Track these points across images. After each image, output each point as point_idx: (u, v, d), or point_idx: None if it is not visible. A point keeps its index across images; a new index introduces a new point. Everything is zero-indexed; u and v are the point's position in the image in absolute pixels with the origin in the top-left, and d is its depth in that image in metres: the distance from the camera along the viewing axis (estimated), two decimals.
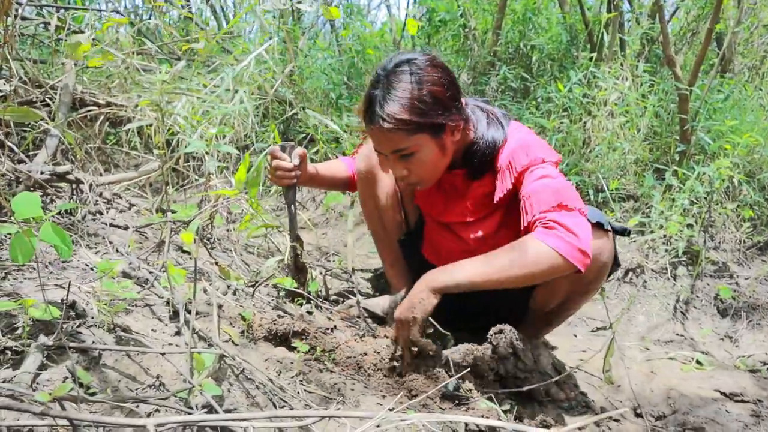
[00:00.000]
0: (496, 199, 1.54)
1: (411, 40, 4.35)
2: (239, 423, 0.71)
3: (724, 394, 1.86)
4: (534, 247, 1.32)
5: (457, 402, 1.42)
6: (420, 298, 1.38)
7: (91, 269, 1.43)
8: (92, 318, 1.13)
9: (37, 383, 0.94)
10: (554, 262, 1.31)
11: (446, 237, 1.72)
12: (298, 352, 1.37)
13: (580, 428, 1.48)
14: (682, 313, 2.49)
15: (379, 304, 1.88)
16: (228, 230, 2.40)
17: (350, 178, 1.97)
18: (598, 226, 1.43)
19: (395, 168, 1.49)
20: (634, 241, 2.75)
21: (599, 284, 1.56)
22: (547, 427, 1.49)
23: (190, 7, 4.95)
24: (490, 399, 1.42)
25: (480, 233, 1.64)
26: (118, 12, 4.21)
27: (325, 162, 2.00)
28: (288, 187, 1.76)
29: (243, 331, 1.41)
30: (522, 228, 1.45)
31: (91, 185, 1.84)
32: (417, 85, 1.39)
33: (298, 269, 1.81)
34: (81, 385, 0.92)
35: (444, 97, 1.42)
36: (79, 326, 1.09)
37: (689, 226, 2.67)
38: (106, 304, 1.14)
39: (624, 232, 1.55)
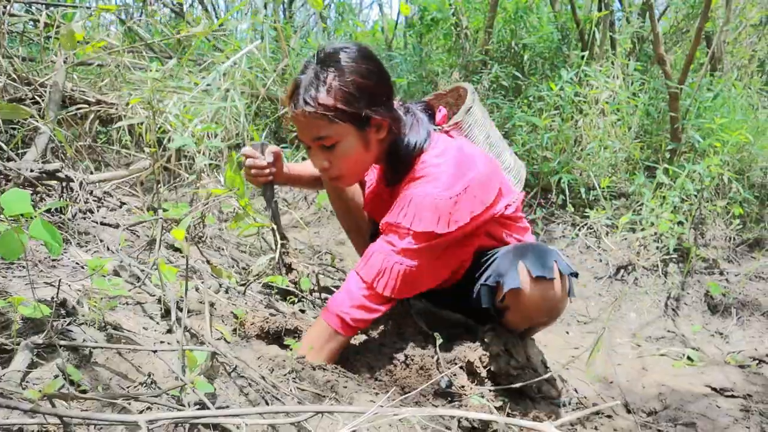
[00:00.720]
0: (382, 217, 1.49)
1: (403, 39, 4.35)
2: (231, 419, 0.71)
3: (714, 389, 1.87)
4: (325, 332, 1.41)
5: (450, 399, 1.42)
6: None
7: (82, 267, 1.42)
8: (83, 316, 1.12)
9: (27, 381, 0.93)
10: (331, 333, 1.40)
11: None
12: (291, 350, 1.36)
13: (572, 423, 1.49)
14: (673, 309, 2.51)
15: None
16: (220, 229, 2.39)
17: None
18: (539, 279, 1.38)
19: (316, 158, 1.45)
20: (626, 239, 2.77)
21: (554, 321, 1.55)
22: (540, 422, 1.50)
23: (182, 5, 4.92)
24: (482, 396, 1.42)
25: None
26: (108, 10, 4.18)
27: (303, 162, 1.97)
28: (265, 185, 1.75)
29: (235, 329, 1.40)
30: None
31: (81, 183, 1.83)
32: (344, 74, 1.36)
33: (285, 268, 1.81)
34: (72, 382, 0.91)
35: (371, 90, 1.39)
36: (69, 324, 1.08)
37: (680, 223, 2.69)
38: (96, 302, 1.13)
39: (572, 275, 1.48)
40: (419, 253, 1.41)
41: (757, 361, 2.14)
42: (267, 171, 1.70)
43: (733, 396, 1.83)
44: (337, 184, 1.59)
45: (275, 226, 1.78)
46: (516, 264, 1.41)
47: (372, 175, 1.70)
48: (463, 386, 1.43)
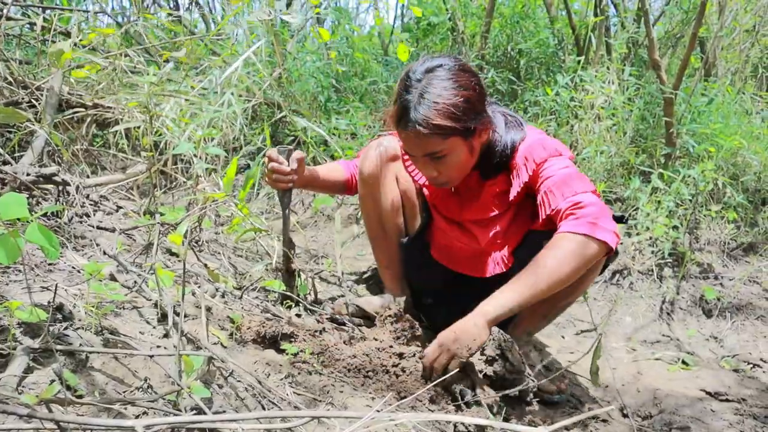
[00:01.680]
0: (511, 196, 1.62)
1: (400, 43, 4.35)
2: (228, 424, 0.71)
3: (709, 393, 1.88)
4: (570, 241, 1.39)
5: (454, 404, 1.42)
6: (473, 333, 1.40)
7: (78, 272, 1.42)
8: (79, 320, 1.12)
9: (24, 386, 0.93)
10: (593, 249, 1.39)
11: (457, 237, 1.78)
12: (287, 354, 1.37)
13: (566, 428, 1.50)
14: (668, 314, 2.52)
15: (371, 302, 1.88)
16: (217, 233, 2.39)
17: (347, 182, 1.98)
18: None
19: (426, 169, 1.55)
20: (621, 243, 2.78)
21: (593, 276, 1.61)
22: (536, 426, 1.50)
23: (178, 9, 4.92)
24: (477, 402, 1.43)
25: (492, 232, 1.71)
26: (105, 13, 4.18)
27: (324, 165, 2.01)
28: (284, 190, 1.75)
29: (231, 334, 1.41)
30: (541, 219, 1.54)
31: (78, 187, 1.83)
32: (451, 91, 1.43)
33: (289, 273, 1.81)
34: (68, 387, 0.91)
35: (475, 102, 1.48)
36: (66, 329, 1.08)
37: (675, 227, 2.70)
38: (93, 307, 1.13)
39: (621, 220, 1.59)
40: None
41: (751, 365, 2.15)
42: (288, 177, 1.71)
43: (727, 400, 1.84)
44: (443, 187, 1.67)
45: (284, 232, 1.78)
46: None
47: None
48: (475, 395, 1.44)
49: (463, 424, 1.31)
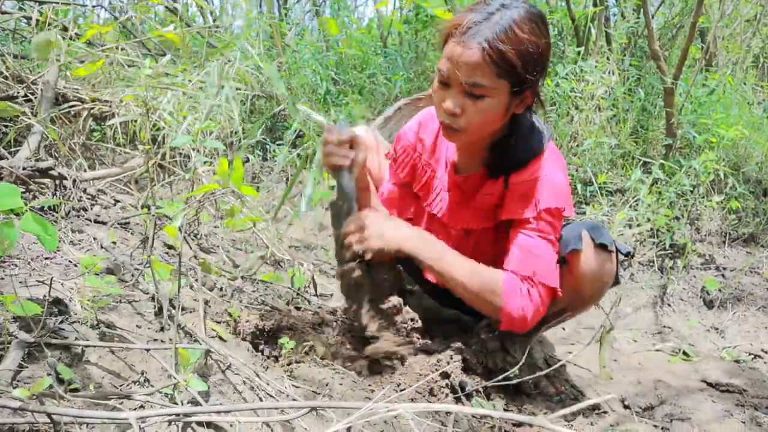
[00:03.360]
0: (503, 216, 1.48)
1: (398, 36, 4.34)
2: (224, 416, 0.70)
3: (710, 384, 1.88)
4: (497, 289, 1.39)
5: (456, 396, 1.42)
6: (387, 237, 1.38)
7: (75, 266, 1.41)
8: (75, 314, 1.12)
9: (18, 380, 0.92)
10: (494, 311, 1.42)
11: (440, 234, 1.63)
12: (285, 348, 1.36)
13: (567, 419, 1.49)
14: (669, 305, 2.51)
15: None
16: (216, 227, 2.38)
17: None
18: (601, 247, 1.44)
19: (453, 101, 1.31)
20: (622, 234, 2.77)
21: (597, 301, 1.59)
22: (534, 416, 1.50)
23: (176, 2, 4.89)
24: (478, 392, 1.42)
25: (474, 244, 1.59)
26: (102, 7, 4.16)
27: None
28: (339, 172, 1.45)
29: (229, 327, 1.40)
30: (501, 264, 1.45)
31: (74, 181, 1.81)
32: (533, 34, 1.27)
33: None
34: (62, 381, 0.91)
35: (545, 60, 1.33)
36: (61, 323, 1.08)
37: (676, 218, 2.69)
38: (89, 300, 1.12)
39: (627, 254, 1.54)
40: (557, 235, 1.45)
41: (752, 356, 2.15)
42: (343, 152, 1.43)
43: (728, 391, 1.83)
44: (451, 137, 1.42)
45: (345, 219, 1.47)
46: (580, 231, 1.46)
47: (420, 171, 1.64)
48: (475, 385, 1.43)
49: (462, 414, 1.30)
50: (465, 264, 1.42)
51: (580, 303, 1.56)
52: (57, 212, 1.68)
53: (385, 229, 1.40)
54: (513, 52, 1.25)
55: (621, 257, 1.56)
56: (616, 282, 1.56)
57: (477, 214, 1.55)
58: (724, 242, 2.77)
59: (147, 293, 1.35)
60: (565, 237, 1.48)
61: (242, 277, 1.77)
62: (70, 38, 2.29)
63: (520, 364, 1.47)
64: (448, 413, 1.30)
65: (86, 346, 1.02)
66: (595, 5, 3.40)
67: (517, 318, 1.39)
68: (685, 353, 2.13)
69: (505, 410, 1.47)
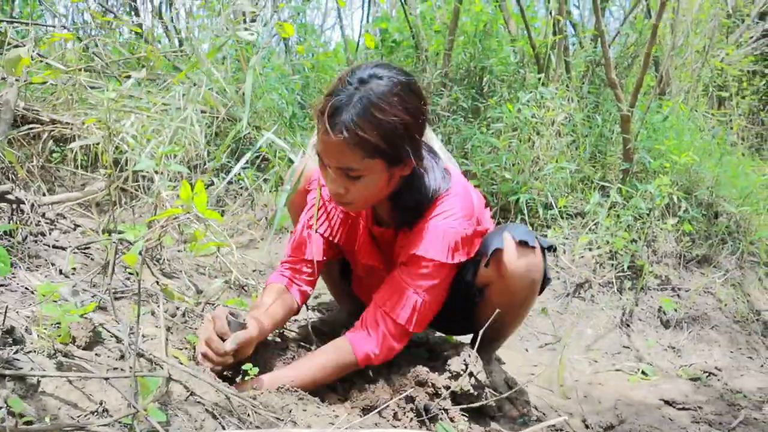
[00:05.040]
0: (398, 259, 1.51)
1: (365, 59, 4.40)
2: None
3: (667, 402, 1.93)
4: (347, 352, 1.47)
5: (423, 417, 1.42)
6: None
7: (32, 293, 1.38)
8: (31, 344, 1.09)
9: None
10: (355, 366, 1.48)
11: (378, 279, 1.62)
12: (249, 374, 1.35)
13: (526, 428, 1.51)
14: (628, 325, 2.58)
15: (328, 322, 1.89)
16: (179, 251, 2.35)
17: (297, 309, 1.66)
18: (522, 244, 1.46)
19: (335, 183, 1.36)
20: (582, 257, 2.84)
21: (532, 300, 1.60)
22: None
23: (141, 26, 4.87)
24: (442, 416, 1.43)
25: None
26: (65, 27, 4.11)
27: (263, 305, 1.56)
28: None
29: (192, 355, 1.38)
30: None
31: (33, 205, 1.77)
32: (394, 109, 1.26)
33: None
34: (14, 414, 0.88)
35: (414, 130, 1.33)
36: (16, 353, 1.05)
37: (633, 241, 2.78)
38: (46, 330, 1.10)
39: (550, 248, 1.56)
40: (440, 286, 1.47)
41: (707, 374, 2.22)
42: (220, 359, 1.32)
43: (684, 408, 1.89)
44: (346, 209, 1.54)
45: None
46: (501, 232, 1.50)
47: (338, 223, 1.64)
48: (442, 409, 1.44)
49: (428, 428, 1.31)
50: (312, 363, 1.46)
51: (516, 304, 1.58)
52: (13, 237, 1.64)
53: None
54: (375, 135, 1.25)
55: (548, 254, 1.60)
56: (547, 279, 1.58)
57: (394, 254, 1.58)
58: (679, 264, 2.87)
59: (104, 324, 1.32)
60: (488, 240, 1.51)
61: (206, 303, 1.75)
62: (32, 59, 2.25)
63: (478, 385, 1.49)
64: None
65: (42, 377, 0.99)
66: (554, 34, 3.52)
67: (372, 359, 1.48)
68: (643, 372, 2.19)
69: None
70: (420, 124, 1.35)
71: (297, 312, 1.67)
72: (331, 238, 1.64)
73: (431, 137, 1.70)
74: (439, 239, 1.43)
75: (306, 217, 1.65)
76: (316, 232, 1.63)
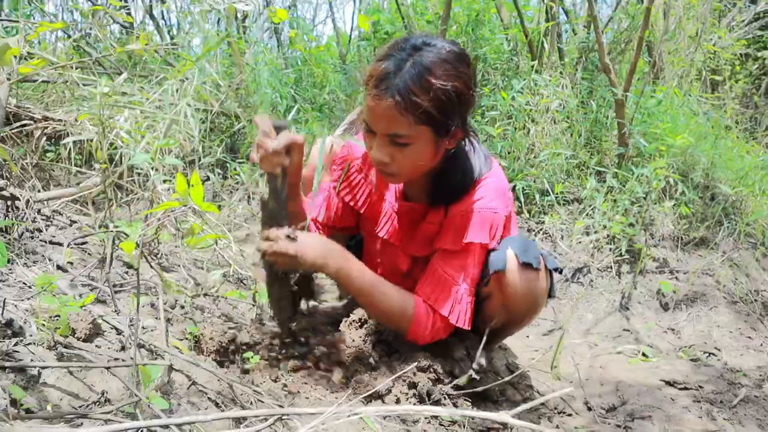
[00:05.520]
0: (437, 245, 1.50)
1: (357, 52, 4.39)
2: (190, 426, 0.69)
3: (668, 382, 1.93)
4: (409, 315, 1.45)
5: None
6: (313, 254, 1.32)
7: (29, 287, 1.37)
8: (31, 336, 1.08)
9: None
10: (401, 331, 1.48)
11: (390, 256, 1.65)
12: (251, 363, 1.34)
13: (532, 421, 1.51)
14: (627, 308, 2.58)
15: (336, 308, 1.87)
16: (176, 246, 2.34)
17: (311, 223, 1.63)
18: (527, 266, 1.43)
19: (380, 150, 1.33)
20: (580, 242, 2.84)
21: (532, 318, 1.60)
22: (503, 424, 1.52)
23: (132, 22, 4.84)
24: (445, 400, 1.43)
25: (421, 270, 1.57)
26: (56, 28, 4.07)
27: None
28: (270, 176, 1.36)
29: (192, 345, 1.38)
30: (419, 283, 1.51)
31: (28, 201, 1.77)
32: (447, 77, 1.25)
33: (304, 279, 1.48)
34: (16, 403, 0.88)
35: (465, 100, 1.32)
36: (16, 345, 1.04)
37: (631, 225, 2.78)
38: (45, 323, 1.09)
39: (556, 270, 1.55)
40: (478, 269, 1.48)
41: (707, 354, 2.22)
42: (276, 159, 1.32)
43: (685, 388, 1.89)
44: (388, 180, 1.47)
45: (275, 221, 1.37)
46: (505, 251, 1.46)
47: (362, 194, 1.62)
48: (445, 394, 1.45)
49: (432, 416, 1.31)
50: (378, 283, 1.44)
51: (516, 319, 1.58)
52: (9, 234, 1.63)
53: (305, 246, 1.32)
54: (427, 99, 1.24)
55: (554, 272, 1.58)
56: (551, 296, 1.57)
57: (421, 242, 1.56)
58: (677, 246, 2.87)
59: (104, 316, 1.31)
60: (492, 257, 1.48)
61: (205, 295, 1.75)
62: (22, 57, 2.24)
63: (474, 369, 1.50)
64: (415, 421, 1.31)
65: (43, 368, 0.99)
66: (547, 21, 3.51)
67: (418, 340, 1.48)
68: (644, 354, 2.19)
69: (471, 418, 1.48)
70: (470, 95, 1.33)
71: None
72: (352, 204, 1.62)
73: None
74: (486, 224, 1.44)
75: (328, 185, 1.65)
76: (338, 195, 1.63)
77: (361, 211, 1.63)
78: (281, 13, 1.95)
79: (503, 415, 0.59)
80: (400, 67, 1.25)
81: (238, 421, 1.05)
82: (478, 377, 1.50)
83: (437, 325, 1.47)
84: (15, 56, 1.97)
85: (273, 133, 1.34)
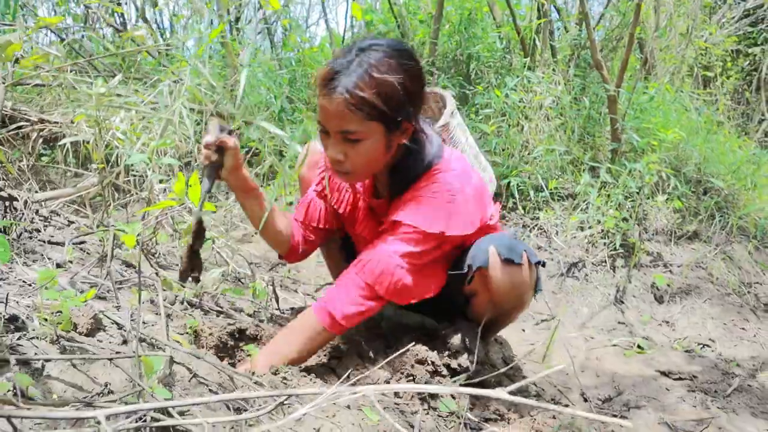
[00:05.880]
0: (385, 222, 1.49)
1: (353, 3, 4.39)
2: (191, 419, 0.71)
3: (663, 373, 1.96)
4: (320, 328, 1.42)
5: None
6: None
7: (30, 285, 1.38)
8: (33, 330, 1.09)
9: None
10: (331, 335, 1.45)
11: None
12: (250, 355, 1.36)
13: (531, 413, 1.53)
14: (622, 302, 2.61)
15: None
16: (174, 246, 2.35)
17: (291, 240, 1.67)
18: (509, 262, 1.44)
19: (334, 149, 1.37)
20: (575, 237, 2.87)
21: (520, 312, 1.62)
22: (500, 415, 1.53)
23: (125, 26, 4.84)
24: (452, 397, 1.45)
25: None
26: (48, 28, 4.08)
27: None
28: (206, 168, 1.46)
29: (192, 339, 1.39)
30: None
31: (26, 202, 1.78)
32: (391, 71, 1.30)
33: (192, 254, 1.48)
34: (22, 393, 0.89)
35: (413, 94, 1.36)
36: (19, 339, 1.05)
37: (624, 219, 2.81)
38: (47, 317, 1.10)
39: (540, 264, 1.55)
40: (422, 256, 1.44)
41: (701, 345, 2.25)
42: (208, 152, 1.43)
43: (680, 378, 1.92)
44: (344, 179, 1.50)
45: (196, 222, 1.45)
46: (488, 247, 1.46)
47: (346, 194, 1.64)
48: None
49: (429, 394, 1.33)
50: (283, 342, 1.43)
51: (504, 314, 1.60)
52: (8, 234, 1.64)
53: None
54: (374, 95, 1.29)
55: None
56: (537, 289, 1.58)
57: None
58: (670, 240, 2.90)
59: (105, 311, 1.33)
60: (473, 253, 1.49)
61: (204, 292, 1.76)
62: (16, 60, 2.24)
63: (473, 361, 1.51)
64: (414, 412, 1.33)
65: (47, 360, 1.00)
66: (539, 18, 3.54)
67: (338, 319, 1.41)
68: (639, 346, 2.22)
69: (470, 409, 1.50)
70: (417, 87, 1.38)
71: (287, 243, 1.67)
72: (335, 206, 1.64)
73: (465, 127, 1.73)
74: (421, 207, 1.42)
75: (316, 185, 1.69)
76: (324, 196, 1.66)
77: (340, 211, 1.65)
78: (273, 2, 1.95)
79: (500, 392, 0.61)
80: (347, 67, 1.31)
81: (239, 411, 1.07)
82: (473, 369, 1.52)
83: (358, 293, 1.42)
84: (9, 62, 1.99)
85: (216, 133, 1.46)
